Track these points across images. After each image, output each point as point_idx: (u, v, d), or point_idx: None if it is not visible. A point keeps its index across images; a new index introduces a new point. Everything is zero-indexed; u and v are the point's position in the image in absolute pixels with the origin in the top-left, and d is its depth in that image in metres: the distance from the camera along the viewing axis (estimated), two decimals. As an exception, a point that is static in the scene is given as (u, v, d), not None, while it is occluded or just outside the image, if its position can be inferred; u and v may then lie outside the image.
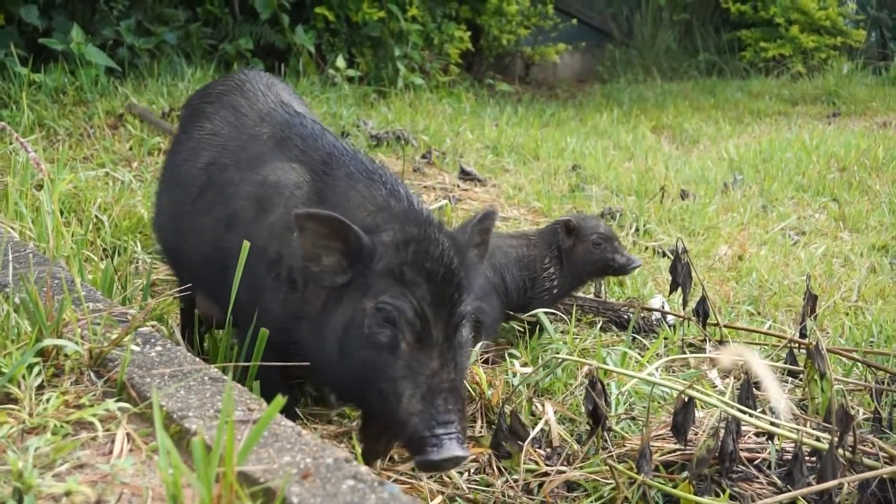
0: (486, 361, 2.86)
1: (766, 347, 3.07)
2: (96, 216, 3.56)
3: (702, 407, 2.35)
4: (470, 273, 1.97)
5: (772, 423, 2.22)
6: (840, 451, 2.00)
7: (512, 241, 3.28)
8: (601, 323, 3.35)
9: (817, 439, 2.10)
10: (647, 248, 4.31)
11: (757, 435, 2.36)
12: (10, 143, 4.07)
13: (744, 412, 2.18)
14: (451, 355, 1.84)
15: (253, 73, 2.64)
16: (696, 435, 2.29)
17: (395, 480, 2.13)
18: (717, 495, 2.08)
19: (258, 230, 2.09)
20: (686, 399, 2.14)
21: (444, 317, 1.85)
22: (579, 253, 3.20)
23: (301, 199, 2.08)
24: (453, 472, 2.21)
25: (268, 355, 2.01)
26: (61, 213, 3.47)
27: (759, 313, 3.52)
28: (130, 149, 4.90)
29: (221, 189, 2.24)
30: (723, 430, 2.13)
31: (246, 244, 1.96)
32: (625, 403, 2.53)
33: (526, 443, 2.30)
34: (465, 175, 5.36)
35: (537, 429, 2.34)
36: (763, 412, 2.35)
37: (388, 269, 1.85)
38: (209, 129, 2.41)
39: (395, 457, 2.29)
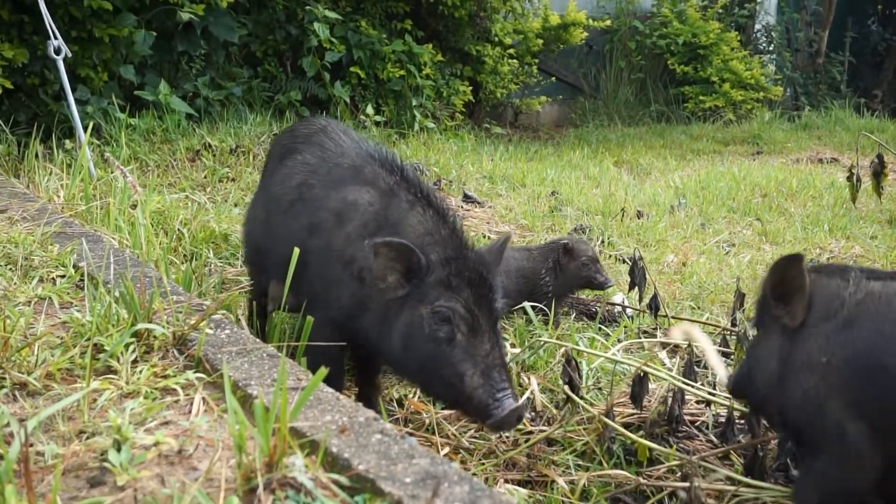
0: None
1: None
2: (178, 229, 3.56)
3: (654, 380, 2.34)
4: (497, 279, 1.98)
5: (709, 393, 2.22)
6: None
7: (515, 253, 3.24)
8: (574, 314, 3.35)
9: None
10: (610, 256, 4.29)
11: (697, 402, 2.35)
12: (112, 172, 4.08)
13: (687, 384, 2.18)
14: (496, 339, 1.85)
15: (331, 120, 2.62)
16: (649, 402, 2.28)
17: (412, 436, 2.12)
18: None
19: (337, 237, 2.08)
20: (641, 374, 2.13)
21: (485, 311, 1.85)
22: (571, 269, 3.20)
23: (371, 216, 2.06)
24: (457, 431, 2.20)
25: (335, 335, 2.00)
26: (151, 226, 3.47)
27: (698, 307, 3.50)
28: (205, 177, 4.91)
29: (308, 203, 2.22)
30: (671, 399, 2.13)
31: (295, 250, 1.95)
32: (593, 377, 2.52)
33: (515, 408, 2.29)
34: (467, 198, 5.35)
35: (524, 397, 2.33)
36: (702, 385, 2.34)
37: (438, 281, 1.86)
38: (300, 159, 2.39)
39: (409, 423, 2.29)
